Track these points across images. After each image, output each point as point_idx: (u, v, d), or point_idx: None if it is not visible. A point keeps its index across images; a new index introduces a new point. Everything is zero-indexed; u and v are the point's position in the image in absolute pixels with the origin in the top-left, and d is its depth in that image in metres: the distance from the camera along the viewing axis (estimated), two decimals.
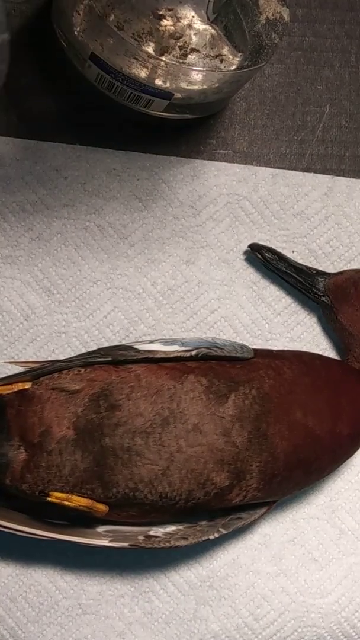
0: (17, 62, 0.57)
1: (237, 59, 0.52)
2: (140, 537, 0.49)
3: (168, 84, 0.51)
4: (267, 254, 0.56)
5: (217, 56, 0.52)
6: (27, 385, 0.48)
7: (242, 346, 0.50)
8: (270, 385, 0.48)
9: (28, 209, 0.56)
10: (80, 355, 0.50)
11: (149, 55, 0.49)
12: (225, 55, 0.52)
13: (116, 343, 0.55)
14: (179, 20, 0.51)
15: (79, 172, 0.57)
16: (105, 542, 0.49)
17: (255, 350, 0.51)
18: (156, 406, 0.46)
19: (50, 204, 0.56)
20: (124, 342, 0.55)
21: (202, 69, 0.51)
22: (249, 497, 0.48)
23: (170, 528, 0.50)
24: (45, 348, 0.55)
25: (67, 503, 0.46)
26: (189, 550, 0.54)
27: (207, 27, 0.51)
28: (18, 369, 0.52)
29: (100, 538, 0.49)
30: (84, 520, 0.49)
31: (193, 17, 0.51)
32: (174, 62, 0.50)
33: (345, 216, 0.58)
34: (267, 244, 0.57)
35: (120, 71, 0.51)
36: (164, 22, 0.50)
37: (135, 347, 0.49)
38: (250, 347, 0.52)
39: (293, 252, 0.58)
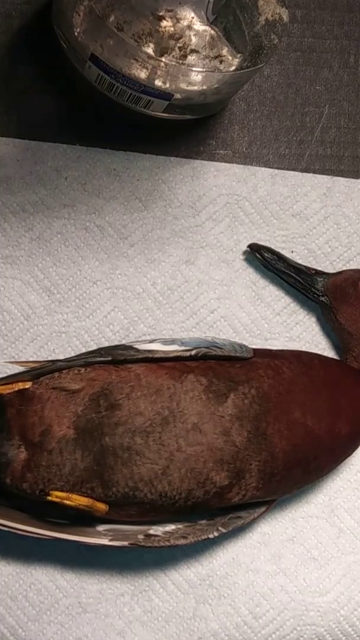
0: (17, 62, 0.57)
1: (237, 60, 0.52)
2: (140, 536, 0.49)
3: (168, 85, 0.51)
4: (266, 254, 0.56)
5: (216, 57, 0.52)
6: (28, 385, 0.48)
7: (241, 346, 0.51)
8: (270, 384, 0.48)
9: (28, 209, 0.56)
10: (80, 355, 0.50)
11: (149, 56, 0.49)
12: (224, 56, 0.52)
13: (116, 343, 0.56)
14: (178, 21, 0.51)
15: (79, 172, 0.57)
16: (105, 541, 0.49)
17: (255, 350, 0.51)
18: (156, 405, 0.47)
19: (50, 204, 0.56)
20: (124, 342, 0.55)
21: (201, 69, 0.51)
22: (249, 496, 0.49)
23: (170, 527, 0.50)
24: (46, 348, 0.55)
25: (67, 502, 0.46)
26: (188, 549, 0.54)
27: (207, 28, 0.51)
28: (18, 369, 0.52)
29: (100, 537, 0.49)
30: (84, 519, 0.49)
31: (193, 18, 0.51)
32: (173, 63, 0.50)
33: (344, 216, 0.59)
34: (267, 244, 0.57)
35: (120, 72, 0.51)
36: (164, 23, 0.51)
37: (135, 346, 0.50)
38: (250, 346, 0.52)
39: (292, 252, 0.58)
